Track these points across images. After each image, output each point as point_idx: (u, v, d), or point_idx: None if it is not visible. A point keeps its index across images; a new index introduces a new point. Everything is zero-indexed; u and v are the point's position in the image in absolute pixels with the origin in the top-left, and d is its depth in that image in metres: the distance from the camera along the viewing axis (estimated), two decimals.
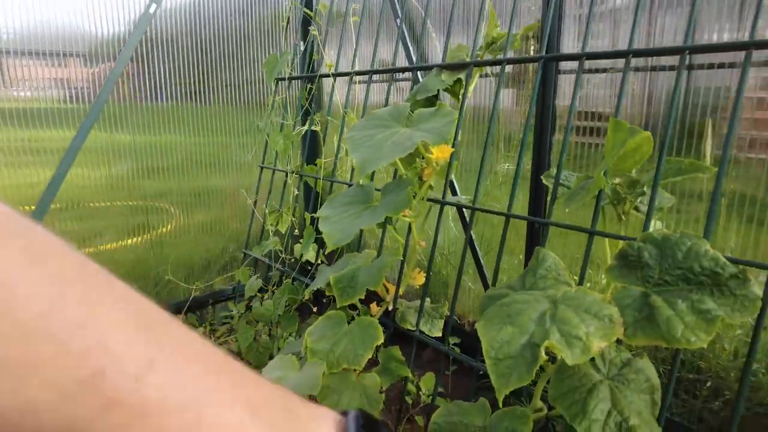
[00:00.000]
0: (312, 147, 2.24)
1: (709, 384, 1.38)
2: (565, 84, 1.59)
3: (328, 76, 1.84)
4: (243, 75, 2.27)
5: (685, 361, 1.42)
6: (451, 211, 1.92)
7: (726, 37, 1.31)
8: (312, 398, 1.65)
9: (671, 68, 1.42)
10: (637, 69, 1.46)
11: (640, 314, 0.85)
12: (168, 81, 2.08)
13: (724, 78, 1.34)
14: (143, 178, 2.09)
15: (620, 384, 0.93)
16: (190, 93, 2.14)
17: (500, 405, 0.81)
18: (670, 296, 0.85)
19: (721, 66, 1.33)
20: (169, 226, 2.16)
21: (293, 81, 2.08)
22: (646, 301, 0.86)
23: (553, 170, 1.20)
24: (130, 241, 2.08)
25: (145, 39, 2.01)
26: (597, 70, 1.53)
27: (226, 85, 2.22)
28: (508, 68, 1.77)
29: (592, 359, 0.98)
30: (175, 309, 2.08)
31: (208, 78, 2.17)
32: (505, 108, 1.80)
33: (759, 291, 0.81)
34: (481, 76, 1.87)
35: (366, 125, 1.21)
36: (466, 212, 1.78)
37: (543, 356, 0.79)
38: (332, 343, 1.30)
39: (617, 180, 1.12)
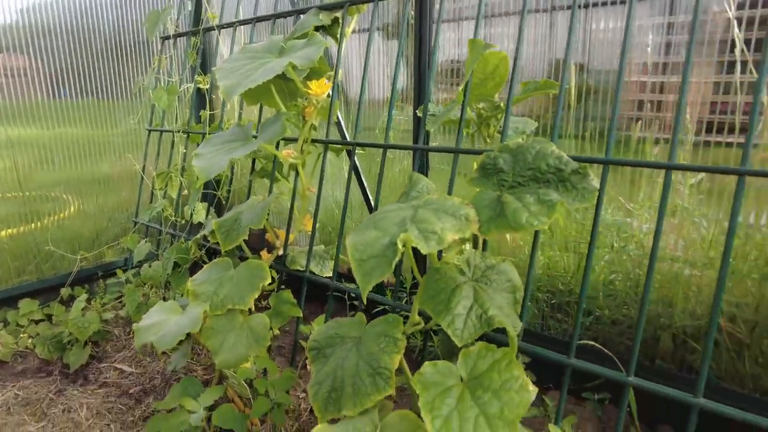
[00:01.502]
0: (199, 105, 2.15)
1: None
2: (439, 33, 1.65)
3: (212, 29, 1.79)
4: (130, 65, 2.14)
5: (557, 287, 1.53)
6: (346, 165, 1.93)
7: None
8: (195, 339, 1.60)
9: (533, 11, 1.51)
10: (506, 13, 1.55)
11: (494, 212, 0.90)
12: (58, 75, 1.94)
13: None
14: (36, 169, 1.94)
15: (483, 284, 0.98)
16: (85, 87, 2.02)
17: (364, 301, 0.83)
18: (521, 194, 0.91)
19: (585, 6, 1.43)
20: (62, 214, 2.02)
21: (179, 39, 1.99)
22: (500, 200, 0.92)
23: (427, 105, 1.24)
24: (18, 229, 1.92)
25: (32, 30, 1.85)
26: (467, 18, 1.60)
27: (115, 76, 2.09)
28: (389, 19, 1.81)
29: (458, 266, 1.03)
30: (59, 282, 1.94)
31: (95, 69, 2.04)
32: (389, 62, 1.83)
33: (597, 184, 0.89)
34: (363, 30, 1.90)
35: (238, 57, 1.19)
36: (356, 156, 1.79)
37: (401, 250, 0.81)
38: (217, 286, 1.27)
39: (481, 105, 1.17)
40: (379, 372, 0.89)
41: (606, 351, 1.10)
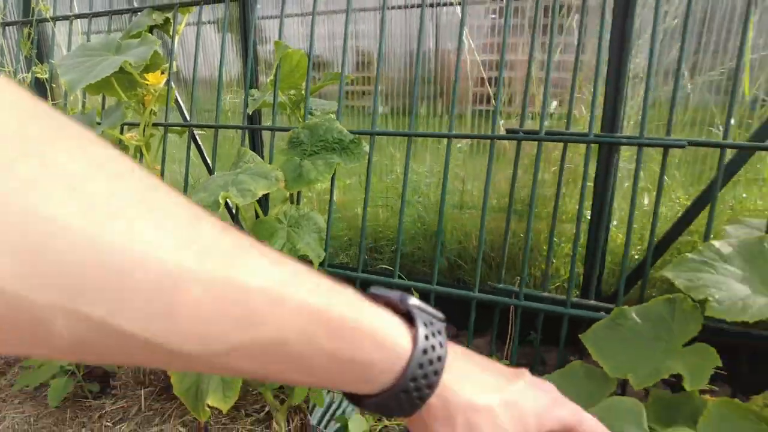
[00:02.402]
0: (39, 94, 2.19)
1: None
2: (266, 27, 1.94)
3: (46, 20, 1.87)
4: None
5: (374, 233, 1.93)
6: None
7: None
8: None
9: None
10: (320, 13, 1.87)
11: (296, 173, 1.23)
12: None
13: None
14: None
15: (296, 228, 1.31)
16: None
17: None
18: (315, 159, 1.25)
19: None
20: None
21: (8, 27, 2.02)
22: (300, 164, 1.25)
23: (247, 91, 1.53)
24: None
25: None
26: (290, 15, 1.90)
27: None
28: (219, 15, 2.05)
29: (277, 217, 1.35)
30: None
31: None
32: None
33: (368, 150, 1.25)
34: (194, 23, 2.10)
35: (77, 54, 1.36)
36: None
37: (222, 204, 1.11)
38: None
39: (292, 91, 1.49)
40: None
41: (391, 269, 1.50)
